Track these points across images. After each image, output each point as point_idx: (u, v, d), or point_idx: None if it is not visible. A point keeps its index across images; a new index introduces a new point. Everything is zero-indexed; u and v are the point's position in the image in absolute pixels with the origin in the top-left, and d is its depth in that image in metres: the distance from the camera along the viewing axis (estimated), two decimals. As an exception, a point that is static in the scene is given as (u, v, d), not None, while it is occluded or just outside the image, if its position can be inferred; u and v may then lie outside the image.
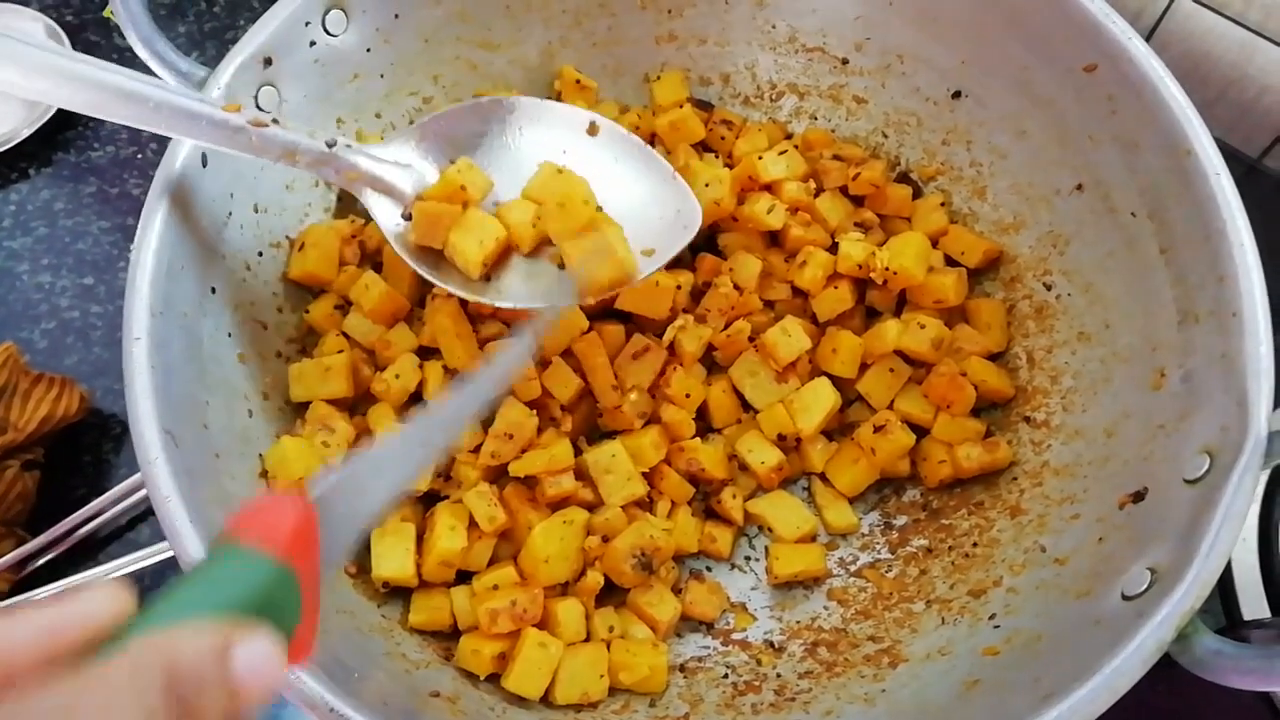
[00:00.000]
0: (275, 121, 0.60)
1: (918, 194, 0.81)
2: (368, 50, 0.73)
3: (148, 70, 0.64)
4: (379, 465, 0.41)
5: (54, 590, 0.72)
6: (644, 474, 0.67)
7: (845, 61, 0.82)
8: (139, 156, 0.94)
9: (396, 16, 0.73)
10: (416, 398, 0.69)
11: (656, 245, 0.64)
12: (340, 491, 0.38)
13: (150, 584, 0.74)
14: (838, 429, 0.74)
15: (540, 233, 0.64)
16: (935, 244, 0.77)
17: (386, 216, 0.64)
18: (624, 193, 0.66)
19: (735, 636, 0.68)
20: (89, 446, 0.80)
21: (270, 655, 0.31)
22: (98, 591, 0.30)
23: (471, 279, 0.64)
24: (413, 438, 0.44)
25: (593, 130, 0.67)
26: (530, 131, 0.67)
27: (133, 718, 0.27)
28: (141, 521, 0.77)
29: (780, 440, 0.71)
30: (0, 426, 0.73)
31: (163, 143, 0.94)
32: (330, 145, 0.62)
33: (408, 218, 0.64)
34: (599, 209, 0.64)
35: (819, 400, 0.70)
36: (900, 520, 0.72)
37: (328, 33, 0.70)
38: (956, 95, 0.77)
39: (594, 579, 0.64)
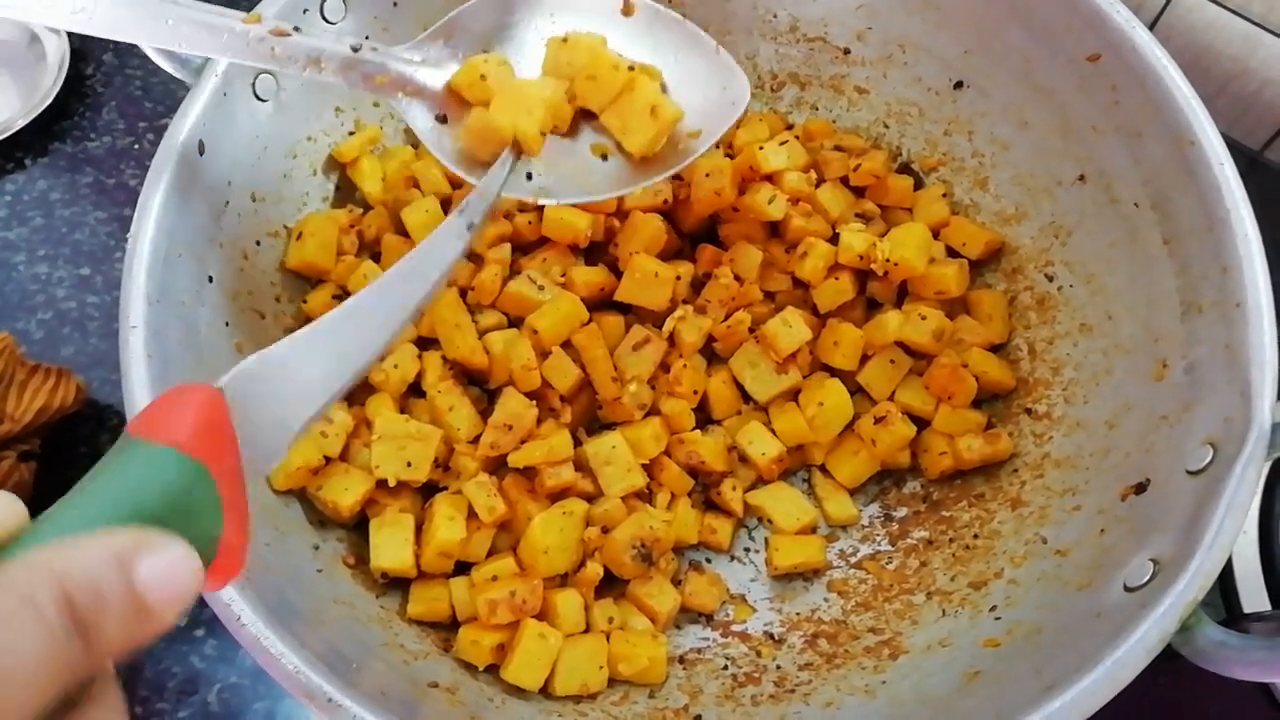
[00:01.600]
0: (297, 30, 0.58)
1: (919, 185, 0.80)
2: (366, 38, 0.73)
3: (145, 56, 0.64)
4: (304, 353, 0.38)
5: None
6: (643, 465, 0.67)
7: (847, 51, 0.81)
8: (136, 147, 0.94)
9: (395, 4, 0.73)
10: (415, 388, 0.69)
11: (704, 125, 0.61)
12: (256, 379, 0.35)
13: (147, 575, 0.74)
14: (838, 420, 0.74)
15: (575, 109, 0.61)
16: (936, 235, 0.76)
17: (421, 120, 0.61)
18: (666, 73, 0.62)
19: (735, 628, 0.68)
20: (86, 437, 0.79)
21: (180, 565, 0.28)
22: None
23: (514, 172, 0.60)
24: (344, 324, 0.41)
25: (628, 10, 0.62)
26: (563, 17, 0.63)
27: (28, 637, 0.25)
28: (138, 513, 0.77)
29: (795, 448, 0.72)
30: (-4, 417, 0.73)
31: (159, 133, 0.94)
32: (355, 49, 0.59)
33: (442, 119, 0.61)
34: (630, 67, 0.60)
35: (840, 414, 0.70)
36: (901, 512, 0.72)
37: (326, 20, 0.69)
38: (958, 85, 0.77)
39: (593, 570, 0.64)
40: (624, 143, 0.60)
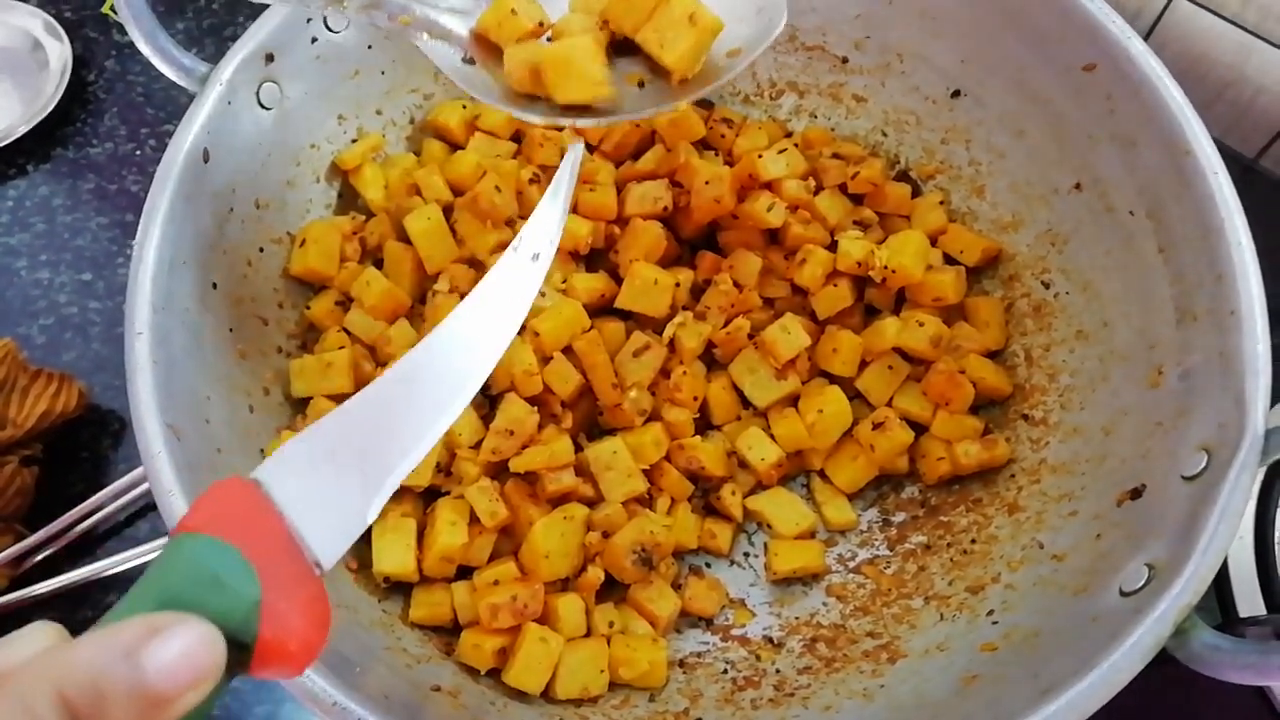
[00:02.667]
0: None
1: (917, 192, 0.81)
2: (369, 47, 0.73)
3: (147, 62, 0.64)
4: (353, 431, 0.37)
5: (51, 587, 0.72)
6: (644, 471, 0.68)
7: (845, 60, 0.82)
8: (137, 153, 0.94)
9: None
10: (417, 394, 0.69)
11: (742, 44, 0.59)
12: (299, 461, 0.35)
13: (149, 580, 0.74)
14: (837, 426, 0.75)
15: (609, 35, 0.59)
16: (934, 242, 0.77)
17: (446, 59, 0.60)
18: None
19: (734, 632, 0.68)
20: (87, 442, 0.80)
21: (195, 648, 0.28)
22: (26, 634, 0.28)
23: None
24: (392, 399, 0.39)
25: None
26: None
27: None
28: (140, 518, 0.77)
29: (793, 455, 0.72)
30: (-1, 422, 0.73)
31: (161, 140, 0.94)
32: None
33: (469, 61, 0.60)
34: None
35: (839, 421, 0.71)
36: (899, 517, 0.72)
37: (329, 29, 0.70)
38: (956, 94, 0.78)
39: (594, 574, 0.64)
40: (663, 57, 0.57)
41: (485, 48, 0.60)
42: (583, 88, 0.56)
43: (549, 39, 0.59)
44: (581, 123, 0.59)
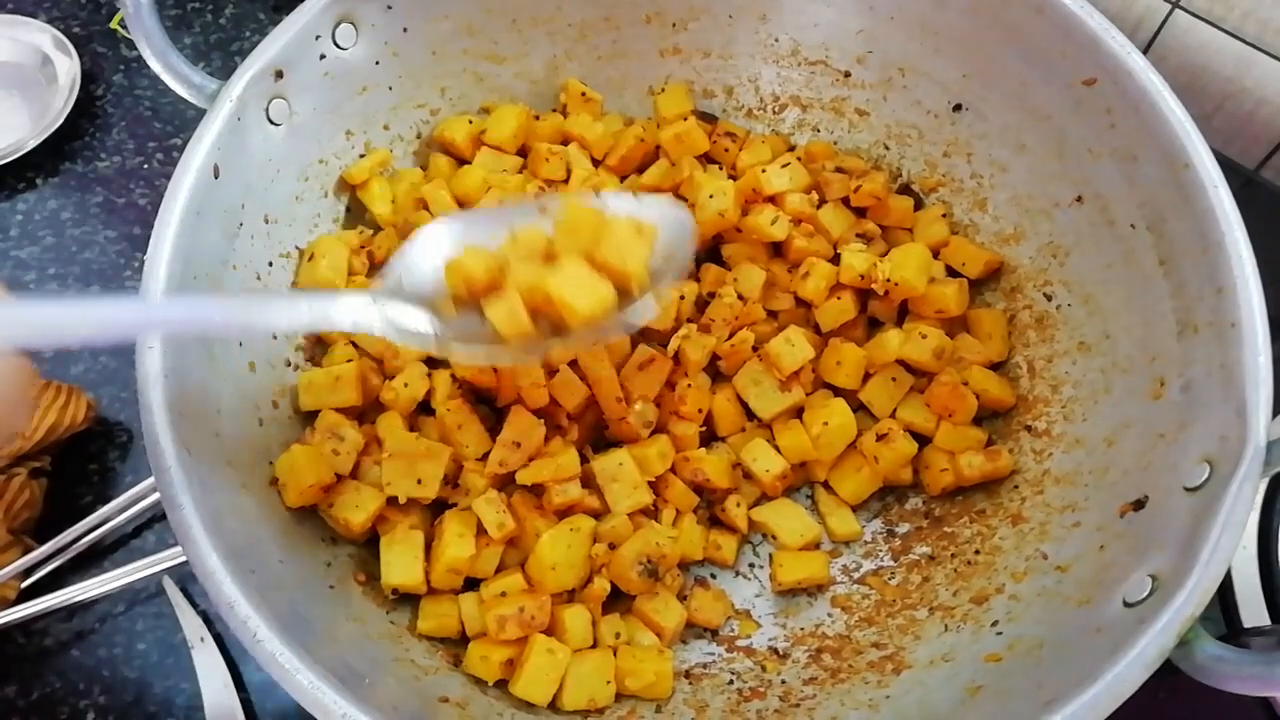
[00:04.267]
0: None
1: (919, 205, 0.81)
2: (376, 63, 0.74)
3: (154, 76, 0.65)
4: None
5: (59, 599, 0.73)
6: (649, 482, 0.68)
7: (847, 75, 0.83)
8: (145, 167, 0.95)
9: (405, 30, 0.74)
10: (425, 406, 0.70)
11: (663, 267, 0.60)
12: None
13: (155, 592, 0.75)
14: (841, 438, 0.75)
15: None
16: (936, 255, 0.78)
17: (423, 344, 0.59)
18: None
19: (740, 643, 0.68)
20: (96, 455, 0.80)
21: None
22: None
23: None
24: None
25: (544, 211, 0.62)
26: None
27: None
28: (147, 529, 0.77)
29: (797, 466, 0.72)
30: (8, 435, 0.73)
31: (169, 153, 0.95)
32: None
33: (443, 337, 0.58)
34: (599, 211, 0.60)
35: (844, 434, 0.71)
36: (903, 528, 0.73)
37: (337, 46, 0.71)
38: (957, 108, 0.78)
39: (600, 586, 0.65)
40: (624, 266, 0.58)
41: (447, 307, 0.59)
42: (596, 300, 0.57)
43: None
44: (559, 352, 0.61)
